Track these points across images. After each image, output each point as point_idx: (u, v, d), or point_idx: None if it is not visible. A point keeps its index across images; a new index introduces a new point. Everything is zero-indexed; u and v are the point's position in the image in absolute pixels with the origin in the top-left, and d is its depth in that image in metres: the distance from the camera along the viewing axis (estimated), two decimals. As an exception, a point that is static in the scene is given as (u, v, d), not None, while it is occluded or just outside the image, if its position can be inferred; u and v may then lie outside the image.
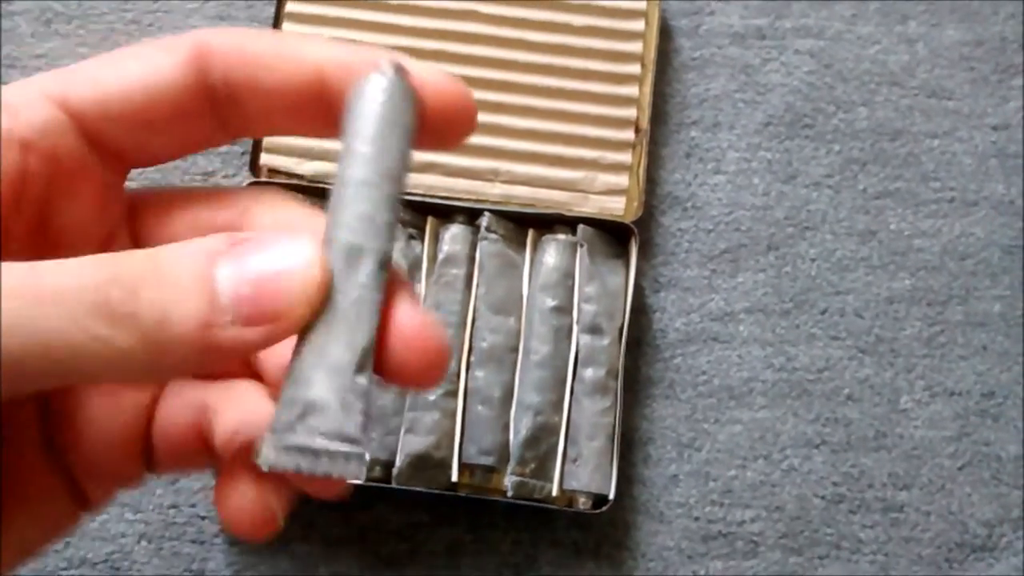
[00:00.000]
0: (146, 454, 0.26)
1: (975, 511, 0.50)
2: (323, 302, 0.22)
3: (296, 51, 0.24)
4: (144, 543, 0.49)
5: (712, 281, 0.52)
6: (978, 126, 0.55)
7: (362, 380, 0.23)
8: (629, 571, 0.48)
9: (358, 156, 0.25)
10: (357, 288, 0.23)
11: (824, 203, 0.53)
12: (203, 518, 0.49)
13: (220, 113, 0.25)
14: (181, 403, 0.26)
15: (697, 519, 0.49)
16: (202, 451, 0.25)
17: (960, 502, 0.50)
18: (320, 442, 0.23)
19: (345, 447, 0.23)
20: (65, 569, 0.48)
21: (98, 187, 0.25)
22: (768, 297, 0.52)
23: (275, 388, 0.25)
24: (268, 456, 0.23)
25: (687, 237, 0.53)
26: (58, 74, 0.25)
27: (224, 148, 0.53)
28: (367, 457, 0.24)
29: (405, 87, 0.24)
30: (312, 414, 0.23)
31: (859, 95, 0.55)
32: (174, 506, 0.49)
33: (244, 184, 0.51)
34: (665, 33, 0.55)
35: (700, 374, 0.51)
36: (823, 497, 0.50)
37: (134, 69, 0.24)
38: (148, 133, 0.25)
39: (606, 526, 0.49)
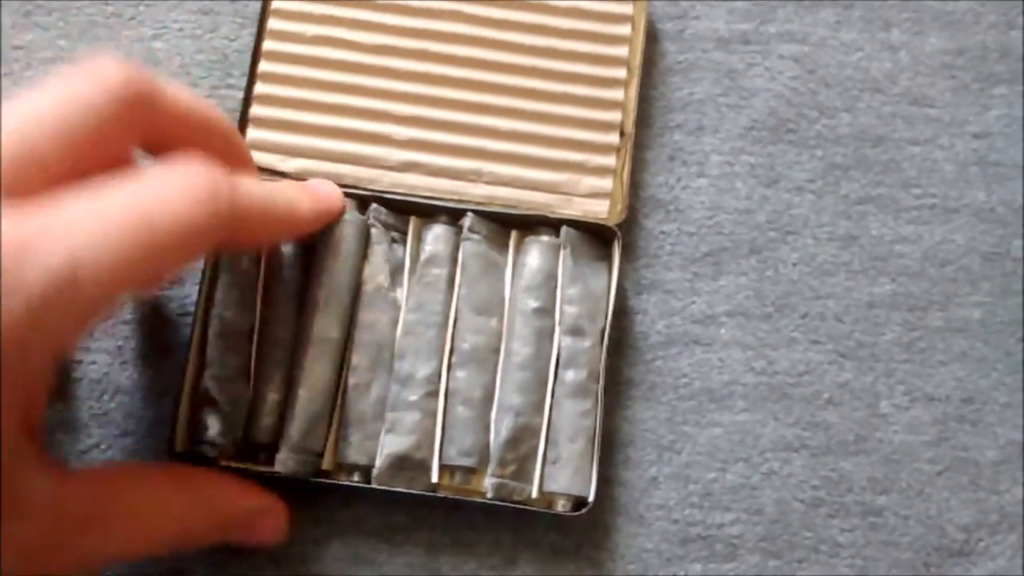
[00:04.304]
0: None
1: (953, 516, 0.50)
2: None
3: None
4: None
5: (694, 284, 0.52)
6: (959, 134, 0.55)
7: None
8: (608, 573, 0.48)
9: None
10: None
11: (806, 208, 0.54)
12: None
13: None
14: None
15: (676, 522, 0.49)
16: None
17: (939, 507, 0.50)
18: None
19: None
20: (37, 567, 0.48)
21: None
22: (749, 300, 0.52)
23: None
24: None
25: (670, 240, 0.53)
26: None
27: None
28: None
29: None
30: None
31: (842, 101, 0.55)
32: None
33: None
34: (650, 36, 0.55)
35: (681, 376, 0.51)
36: (802, 501, 0.50)
37: None
38: None
39: (586, 528, 0.49)
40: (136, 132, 0.39)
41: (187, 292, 0.51)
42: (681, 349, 0.51)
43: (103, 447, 0.49)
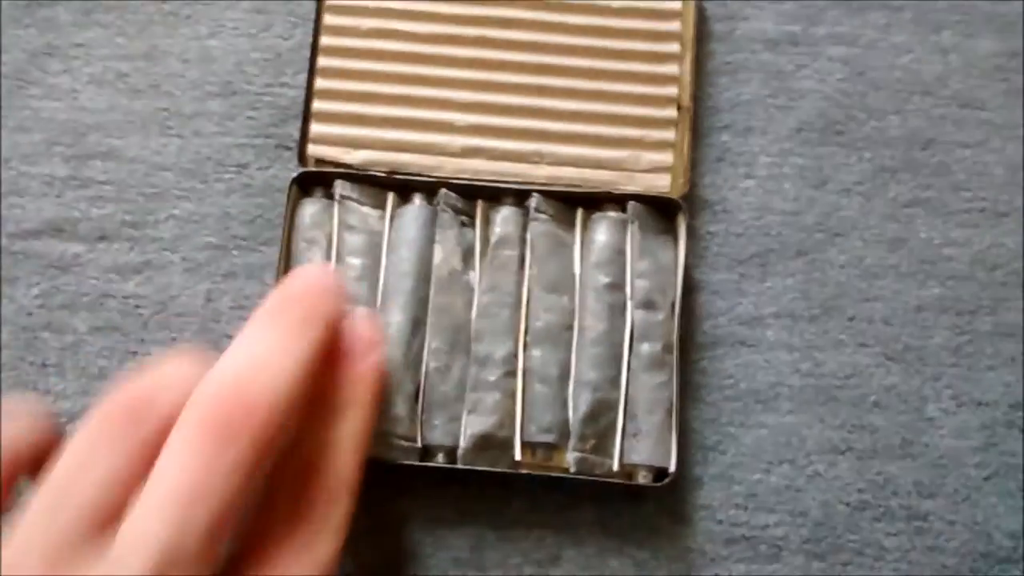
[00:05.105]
0: None
1: (1000, 522, 0.50)
2: None
3: None
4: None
5: (741, 285, 0.52)
6: (1010, 137, 0.55)
7: None
8: (651, 572, 0.48)
9: None
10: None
11: (854, 210, 0.53)
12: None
13: None
14: None
15: (720, 522, 0.49)
16: None
17: (985, 512, 0.50)
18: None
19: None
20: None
21: None
22: (796, 302, 0.52)
23: None
24: None
25: (716, 240, 0.53)
26: None
27: (258, 139, 0.54)
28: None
29: None
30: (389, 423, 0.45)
31: (891, 103, 0.55)
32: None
33: (293, 175, 0.51)
34: (699, 37, 0.55)
35: (727, 377, 0.51)
36: (847, 503, 0.50)
37: None
38: None
39: (629, 528, 0.49)
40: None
41: (251, 290, 0.52)
42: (727, 350, 0.52)
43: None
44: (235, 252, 0.52)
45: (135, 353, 0.51)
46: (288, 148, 0.53)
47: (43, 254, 0.52)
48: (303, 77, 0.53)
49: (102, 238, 0.52)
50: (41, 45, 0.55)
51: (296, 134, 0.52)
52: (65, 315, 0.51)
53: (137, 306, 0.52)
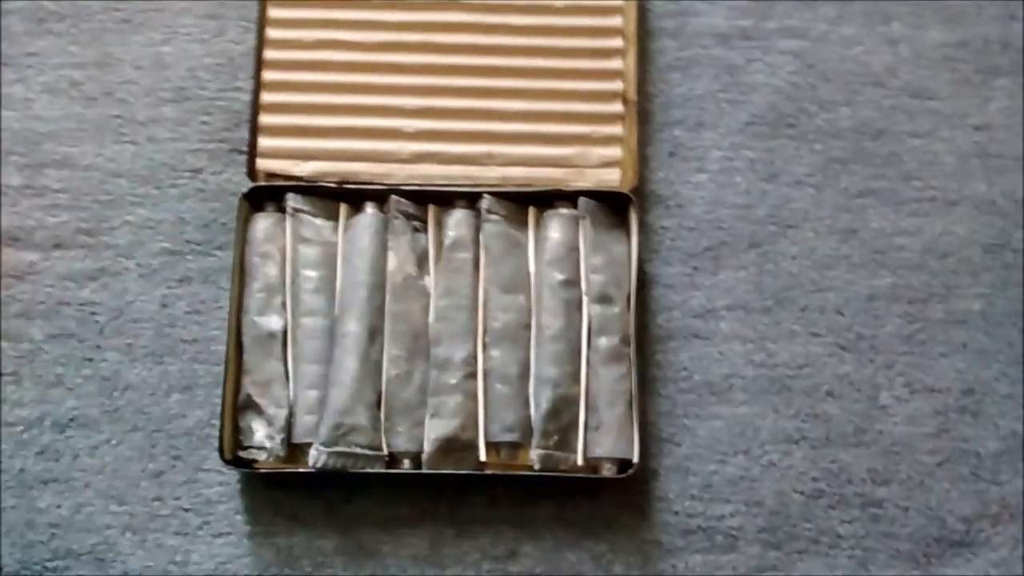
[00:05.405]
0: None
1: (954, 507, 0.50)
2: None
3: None
4: (128, 535, 0.49)
5: (694, 278, 0.53)
6: (960, 126, 0.55)
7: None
8: (608, 564, 0.49)
9: None
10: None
11: (806, 202, 0.54)
12: (187, 510, 0.49)
13: None
14: None
15: (677, 513, 0.50)
16: None
17: (939, 498, 0.50)
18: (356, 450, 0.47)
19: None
20: (50, 560, 0.49)
21: None
22: (749, 294, 0.53)
23: None
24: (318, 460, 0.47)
25: (669, 235, 0.53)
26: None
27: (211, 144, 0.54)
28: None
29: None
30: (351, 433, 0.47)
31: (842, 95, 0.56)
32: (158, 499, 0.49)
33: (244, 189, 0.52)
34: (650, 33, 0.55)
35: (681, 370, 0.51)
36: (802, 492, 0.50)
37: None
38: None
39: (586, 520, 0.49)
40: None
41: (206, 294, 0.52)
42: (681, 343, 0.52)
43: (113, 442, 0.50)
44: (190, 257, 0.53)
45: (91, 360, 0.51)
46: (242, 152, 0.53)
47: (-1, 263, 0.52)
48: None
49: (57, 246, 0.53)
50: (-5, 55, 0.55)
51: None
52: (21, 323, 0.51)
53: (93, 313, 0.52)
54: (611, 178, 0.52)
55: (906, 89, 0.56)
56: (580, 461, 0.48)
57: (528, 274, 0.51)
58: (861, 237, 0.53)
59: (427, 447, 0.48)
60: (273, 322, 0.49)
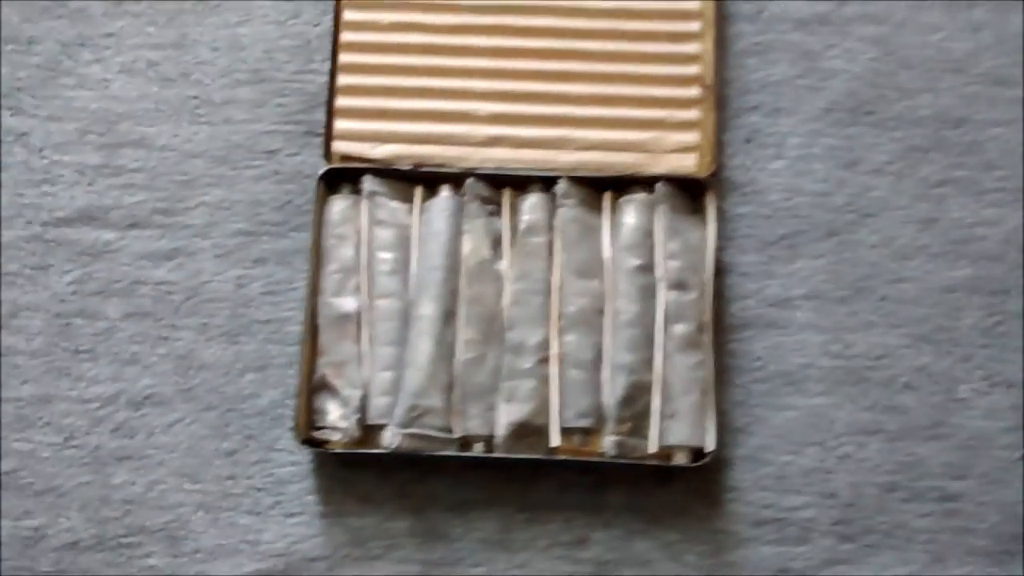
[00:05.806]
0: None
1: (1032, 503, 0.49)
2: None
3: None
4: (201, 513, 0.50)
5: (769, 266, 0.52)
6: (1044, 115, 0.54)
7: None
8: (679, 553, 0.48)
9: None
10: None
11: (885, 190, 0.53)
12: (259, 490, 0.50)
13: None
14: None
15: (749, 503, 0.49)
16: None
17: (1017, 494, 0.49)
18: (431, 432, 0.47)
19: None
20: (124, 536, 0.49)
21: None
22: (826, 284, 0.52)
23: None
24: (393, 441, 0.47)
25: (745, 222, 0.53)
26: None
27: (287, 126, 0.54)
28: None
29: None
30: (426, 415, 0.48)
31: (922, 82, 0.55)
32: (231, 477, 0.50)
33: (319, 171, 0.52)
34: (727, 18, 0.55)
35: (756, 359, 0.51)
36: (877, 485, 0.49)
37: None
38: None
39: (657, 509, 0.49)
40: None
41: (281, 275, 0.52)
42: (756, 332, 0.51)
43: (187, 421, 0.50)
44: (265, 238, 0.53)
45: (166, 339, 0.52)
46: (318, 134, 0.54)
47: (76, 242, 0.53)
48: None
49: (133, 225, 0.53)
50: (73, 36, 0.56)
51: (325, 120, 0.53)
52: (98, 302, 0.52)
53: (169, 292, 0.52)
54: (687, 164, 0.52)
55: (988, 76, 0.55)
56: (653, 448, 0.48)
57: (603, 259, 0.51)
58: (941, 227, 0.53)
59: (500, 431, 0.48)
60: (348, 303, 0.49)
